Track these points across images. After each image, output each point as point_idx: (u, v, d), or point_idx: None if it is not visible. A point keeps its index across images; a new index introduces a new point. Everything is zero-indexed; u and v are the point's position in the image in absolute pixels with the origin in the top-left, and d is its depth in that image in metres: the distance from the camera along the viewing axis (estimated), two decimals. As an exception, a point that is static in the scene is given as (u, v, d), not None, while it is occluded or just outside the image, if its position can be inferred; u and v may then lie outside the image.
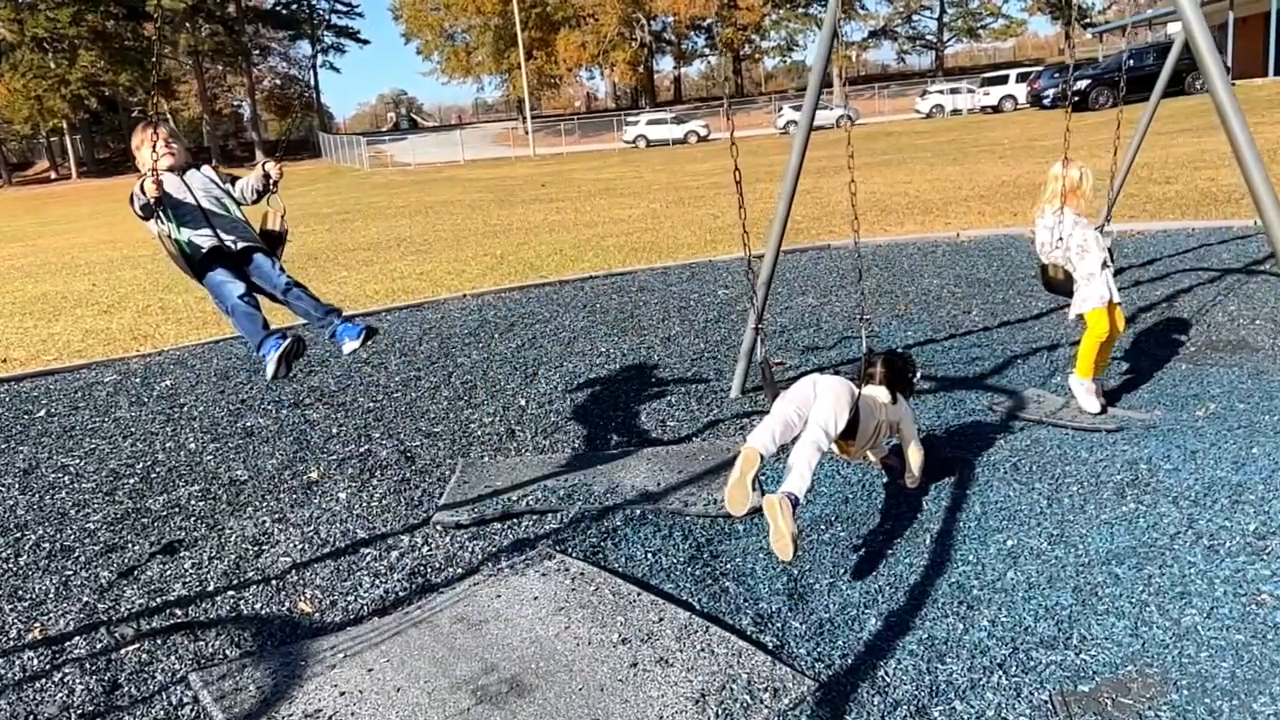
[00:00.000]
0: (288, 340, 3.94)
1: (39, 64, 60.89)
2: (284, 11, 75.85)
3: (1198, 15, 3.59)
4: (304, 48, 79.77)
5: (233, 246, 4.06)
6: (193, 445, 5.54)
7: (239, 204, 4.20)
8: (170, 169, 4.04)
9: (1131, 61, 31.55)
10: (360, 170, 48.00)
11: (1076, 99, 32.66)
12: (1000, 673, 2.76)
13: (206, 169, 4.25)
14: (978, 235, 10.31)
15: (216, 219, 4.07)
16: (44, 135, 69.18)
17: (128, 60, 63.88)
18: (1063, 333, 6.24)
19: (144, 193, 3.80)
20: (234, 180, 4.24)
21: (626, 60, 69.05)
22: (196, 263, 3.98)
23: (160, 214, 3.87)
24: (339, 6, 77.76)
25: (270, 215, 4.27)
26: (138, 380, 7.12)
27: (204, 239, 3.99)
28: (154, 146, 3.93)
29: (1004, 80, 45.64)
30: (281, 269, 4.14)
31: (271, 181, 4.12)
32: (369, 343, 4.08)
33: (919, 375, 4.39)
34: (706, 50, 79.57)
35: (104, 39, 62.84)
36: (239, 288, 4.01)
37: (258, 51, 75.98)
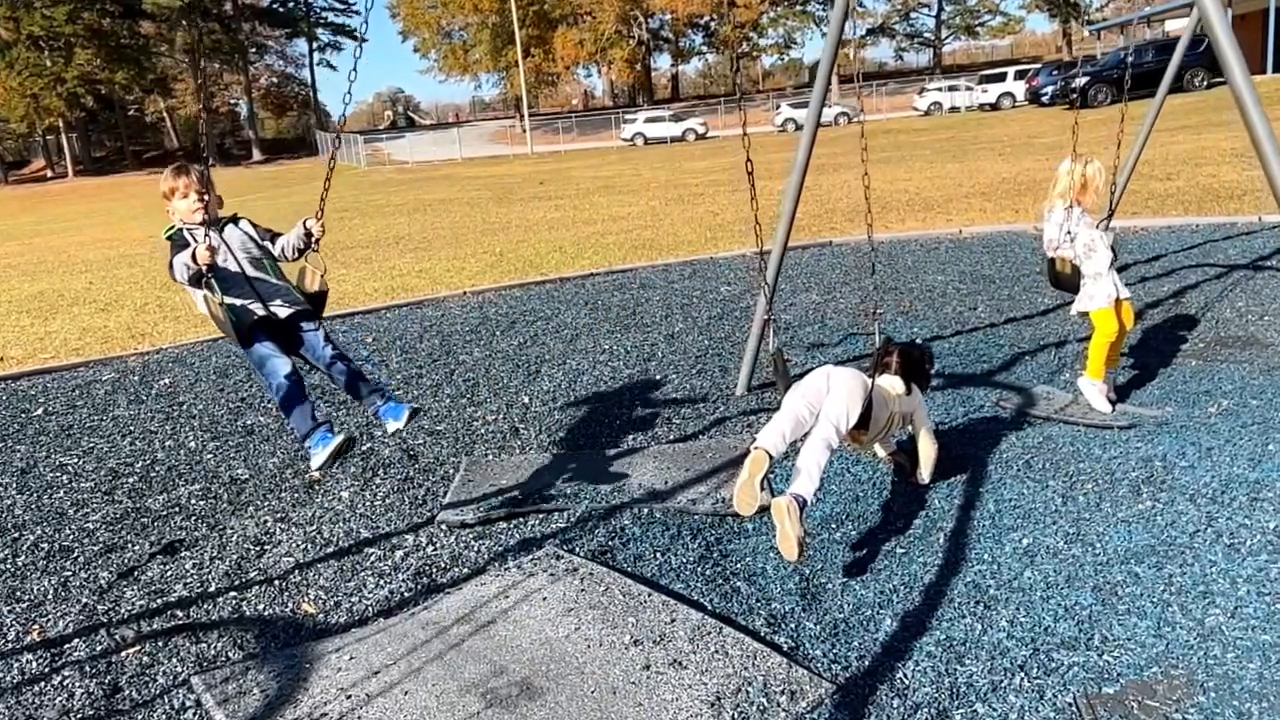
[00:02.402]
0: (339, 438, 3.73)
1: (35, 62, 60.71)
2: (280, 10, 75.66)
3: (1216, 6, 3.54)
4: (300, 45, 79.64)
5: (279, 315, 3.83)
6: (193, 444, 5.47)
7: (276, 261, 3.95)
8: (204, 224, 3.76)
9: (1130, 59, 31.57)
10: (358, 168, 47.87)
11: (1075, 96, 32.63)
12: (1022, 674, 2.71)
13: (245, 223, 3.97)
14: (980, 232, 10.26)
15: (260, 285, 3.82)
16: (40, 134, 68.99)
17: (124, 58, 63.76)
18: (1070, 329, 6.19)
19: (195, 261, 3.53)
20: (273, 237, 3.95)
21: (624, 58, 69.02)
22: (243, 330, 3.73)
23: (209, 286, 3.59)
24: (335, 6, 77.61)
25: (309, 274, 4.00)
26: (136, 378, 7.05)
27: (251, 306, 3.75)
28: (199, 197, 3.70)
29: (1002, 78, 45.59)
30: (327, 338, 3.93)
31: (313, 239, 3.81)
32: (412, 422, 3.88)
33: (935, 367, 4.33)
34: (704, 48, 79.57)
35: (100, 37, 62.71)
36: (285, 365, 3.78)
37: (254, 50, 75.80)
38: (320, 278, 3.99)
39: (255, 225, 4.00)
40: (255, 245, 3.91)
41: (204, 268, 3.54)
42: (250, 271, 3.82)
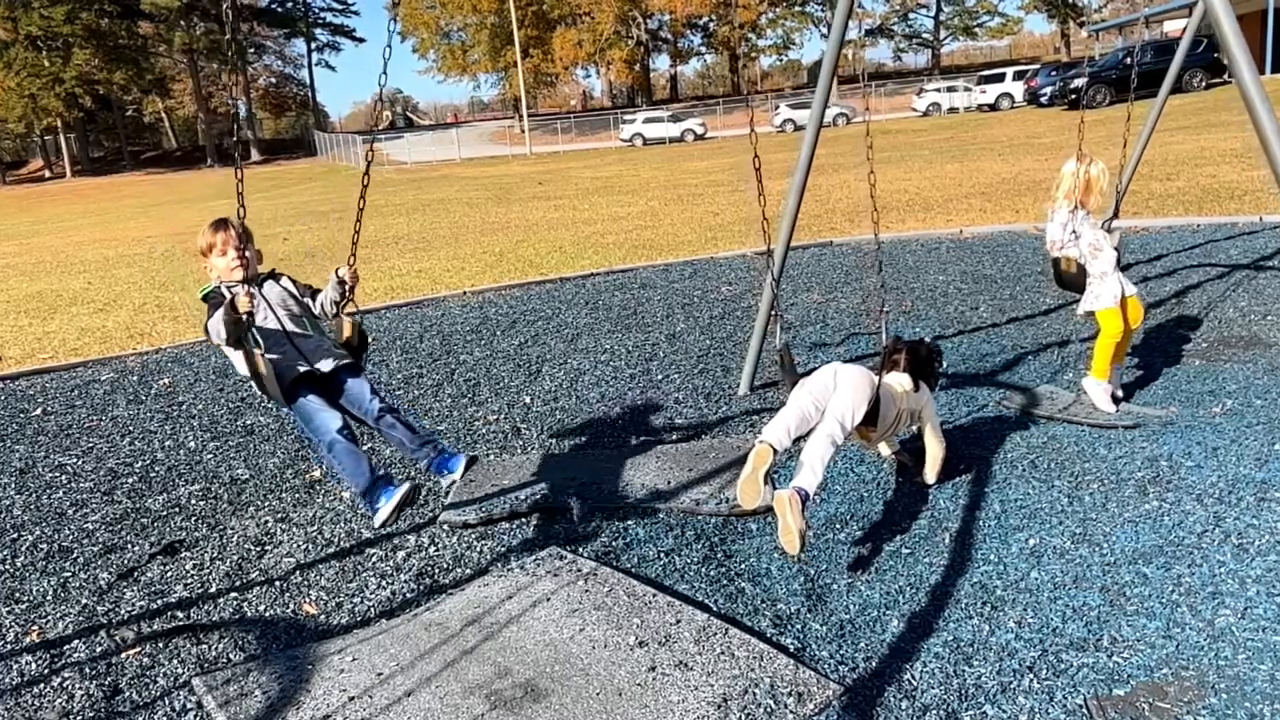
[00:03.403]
0: (405, 488, 3.50)
1: (33, 62, 60.62)
2: (279, 10, 75.62)
3: (1224, 5, 3.52)
4: (299, 46, 79.63)
5: (323, 369, 3.66)
6: (192, 444, 5.45)
7: (317, 319, 3.79)
8: (243, 282, 3.55)
9: (1129, 60, 31.60)
10: (356, 169, 47.81)
11: (1074, 96, 32.65)
12: (1031, 675, 2.68)
13: (285, 280, 3.80)
14: (981, 232, 10.25)
15: (301, 341, 3.66)
16: (38, 134, 68.89)
17: (122, 59, 63.69)
18: (1072, 329, 6.17)
19: (235, 310, 3.32)
20: (313, 293, 3.79)
21: (623, 59, 68.97)
22: (286, 386, 3.53)
23: (250, 336, 3.36)
24: (334, 6, 77.64)
25: (345, 323, 3.80)
26: (135, 378, 7.02)
27: (293, 362, 3.59)
28: (238, 253, 3.47)
29: (1000, 78, 45.60)
30: (374, 391, 3.73)
31: (347, 287, 3.63)
32: (469, 472, 3.66)
33: (944, 366, 4.30)
34: (703, 49, 79.59)
35: (98, 37, 62.62)
36: (335, 419, 3.56)
37: (253, 50, 75.72)
38: (356, 325, 3.82)
39: (295, 281, 3.84)
40: (295, 302, 3.76)
41: (244, 316, 3.33)
42: (290, 328, 3.67)
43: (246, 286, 3.41)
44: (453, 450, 3.73)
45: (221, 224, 3.71)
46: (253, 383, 3.55)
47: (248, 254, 3.61)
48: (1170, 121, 20.97)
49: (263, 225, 18.51)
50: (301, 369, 3.60)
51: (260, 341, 3.40)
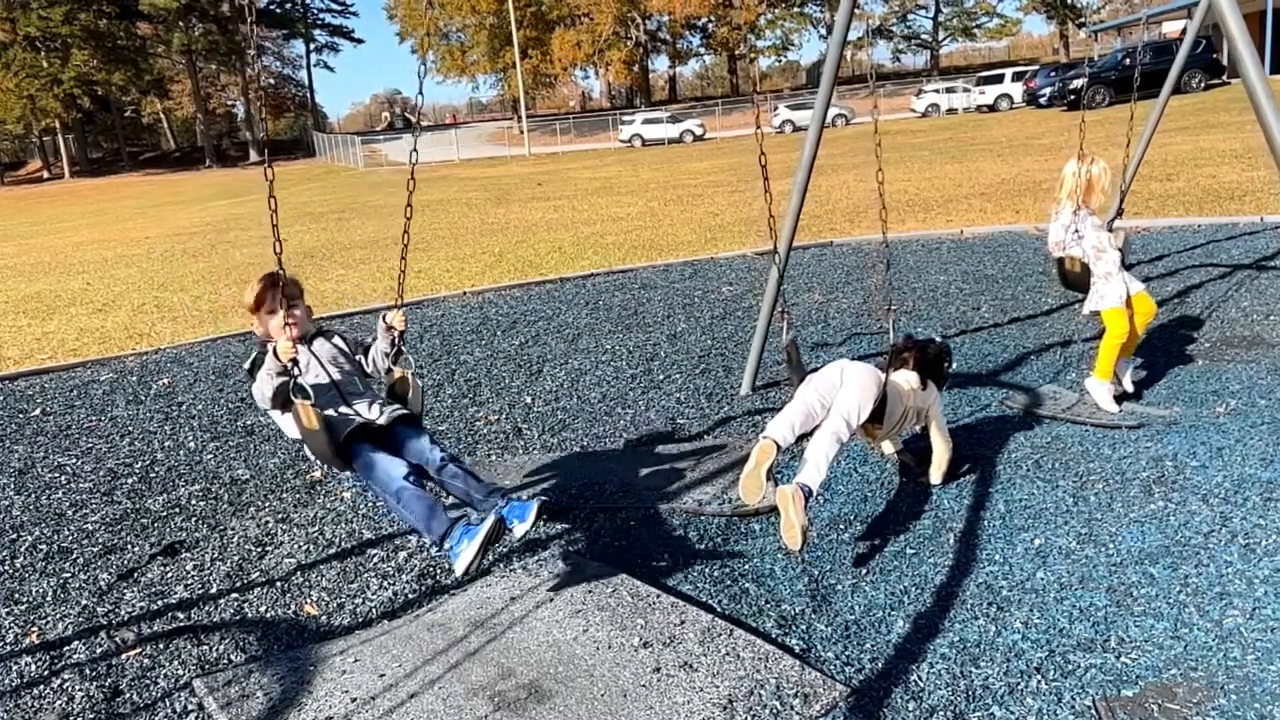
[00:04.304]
0: (489, 524, 3.13)
1: (32, 63, 60.59)
2: (278, 10, 75.59)
3: (1231, 5, 3.51)
4: (298, 46, 79.62)
5: (379, 422, 3.45)
6: (192, 444, 5.43)
7: (369, 376, 3.64)
8: (293, 340, 3.31)
9: (1128, 61, 31.60)
10: (355, 169, 47.80)
11: (1073, 97, 32.66)
12: (1038, 677, 2.67)
13: (337, 339, 3.65)
14: (982, 232, 10.23)
15: (354, 397, 3.50)
16: (37, 135, 68.86)
17: (121, 60, 63.64)
18: (1074, 329, 6.16)
19: (278, 357, 3.15)
20: (365, 349, 3.64)
21: (622, 59, 68.95)
22: (340, 441, 3.30)
23: (299, 390, 3.18)
24: (332, 6, 77.70)
25: (397, 374, 3.64)
26: (134, 379, 7.00)
27: (347, 416, 3.41)
28: (290, 310, 3.27)
29: (999, 79, 45.62)
30: (434, 440, 3.50)
31: (397, 334, 3.49)
32: (541, 520, 3.38)
33: (953, 365, 4.27)
34: (702, 50, 79.59)
35: (97, 38, 62.58)
36: (399, 465, 3.32)
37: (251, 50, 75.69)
38: (411, 375, 3.67)
39: (344, 338, 3.71)
40: (346, 359, 3.62)
41: (288, 363, 3.17)
42: (342, 383, 3.54)
43: (289, 334, 3.26)
44: (523, 499, 3.43)
45: (271, 279, 3.47)
46: (305, 445, 3.38)
47: (298, 311, 3.44)
48: (1169, 122, 20.96)
49: (262, 226, 18.49)
50: (358, 421, 3.43)
51: (310, 394, 3.22)
